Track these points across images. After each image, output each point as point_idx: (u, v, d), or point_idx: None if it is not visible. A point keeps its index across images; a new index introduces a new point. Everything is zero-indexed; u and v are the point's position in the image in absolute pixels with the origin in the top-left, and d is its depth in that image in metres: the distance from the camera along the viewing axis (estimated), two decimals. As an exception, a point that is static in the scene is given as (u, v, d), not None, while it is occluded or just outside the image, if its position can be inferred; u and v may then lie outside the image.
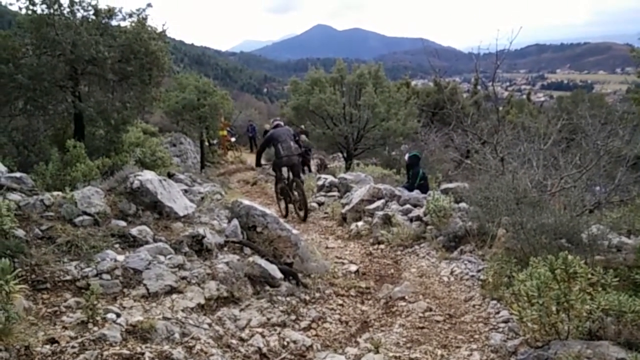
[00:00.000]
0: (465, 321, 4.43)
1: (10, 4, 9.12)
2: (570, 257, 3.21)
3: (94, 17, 9.25)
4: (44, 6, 8.77)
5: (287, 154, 8.49)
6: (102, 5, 9.31)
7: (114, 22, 9.59)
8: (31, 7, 8.71)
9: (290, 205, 9.13)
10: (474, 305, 4.72)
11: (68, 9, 9.00)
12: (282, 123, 9.40)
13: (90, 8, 9.18)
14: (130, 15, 9.62)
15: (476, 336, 4.11)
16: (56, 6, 8.83)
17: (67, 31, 8.60)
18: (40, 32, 8.66)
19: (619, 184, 7.27)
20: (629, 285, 3.85)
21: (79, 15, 9.18)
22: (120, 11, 9.53)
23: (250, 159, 21.08)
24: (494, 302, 4.60)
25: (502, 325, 4.16)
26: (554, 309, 3.19)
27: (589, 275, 3.27)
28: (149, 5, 9.90)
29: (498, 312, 4.42)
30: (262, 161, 9.53)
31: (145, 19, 9.68)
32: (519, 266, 4.56)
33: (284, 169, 8.68)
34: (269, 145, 8.99)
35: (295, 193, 8.65)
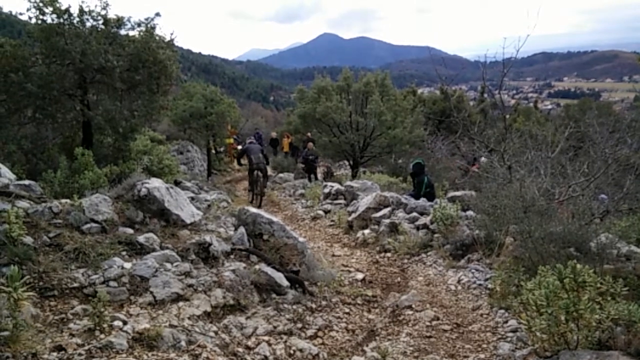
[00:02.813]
0: (473, 330, 4.39)
1: (21, 14, 9.19)
2: (579, 266, 3.18)
3: (103, 27, 9.32)
4: (53, 16, 8.85)
5: (256, 162, 12.20)
6: (111, 15, 9.39)
7: (122, 32, 9.66)
8: (41, 16, 8.80)
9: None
10: (481, 315, 4.69)
11: (77, 19, 9.08)
12: (254, 141, 13.74)
13: (99, 18, 9.26)
14: (139, 25, 9.69)
15: (484, 346, 4.07)
16: (66, 16, 8.92)
17: (77, 40, 8.67)
18: (50, 42, 8.74)
19: (627, 192, 7.22)
20: (638, 295, 3.80)
21: (88, 24, 9.25)
22: (129, 21, 9.60)
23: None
24: (502, 311, 4.56)
25: (511, 334, 4.13)
26: (563, 318, 3.16)
27: (598, 285, 3.24)
28: (157, 14, 9.98)
29: (506, 322, 4.38)
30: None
31: (153, 28, 9.75)
32: (527, 275, 4.52)
33: (256, 172, 12.22)
34: (243, 155, 12.90)
35: (258, 187, 12.24)
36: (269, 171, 17.92)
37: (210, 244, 4.84)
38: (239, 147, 16.56)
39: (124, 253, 4.27)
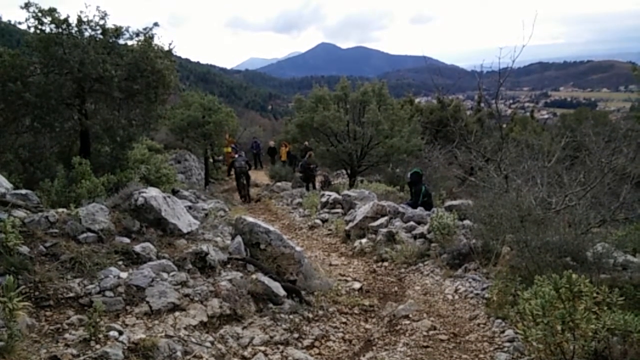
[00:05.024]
0: (470, 340, 4.38)
1: (19, 23, 9.24)
2: (574, 275, 3.19)
3: (101, 37, 9.37)
4: (52, 25, 8.91)
5: (240, 167, 15.41)
6: (110, 25, 9.45)
7: (121, 41, 9.71)
8: (40, 26, 8.85)
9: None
10: (478, 324, 4.68)
11: (76, 29, 9.13)
12: (243, 154, 16.76)
13: (98, 27, 9.31)
14: (137, 35, 9.74)
15: (481, 356, 4.06)
16: (64, 25, 8.96)
17: (75, 50, 8.71)
18: (49, 51, 8.78)
19: (623, 201, 7.24)
20: (635, 305, 3.81)
21: (86, 34, 9.30)
22: (127, 30, 9.65)
23: (255, 175, 21.21)
24: (499, 320, 4.56)
25: (507, 344, 4.12)
26: (559, 328, 3.16)
27: (594, 294, 3.24)
28: (156, 24, 10.04)
29: (503, 331, 4.37)
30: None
31: (151, 37, 9.79)
32: (524, 284, 4.53)
33: (241, 176, 15.44)
34: (234, 164, 15.93)
35: (244, 189, 15.47)
36: (267, 180, 20.57)
37: (207, 254, 4.83)
38: (236, 155, 16.80)
39: (120, 263, 4.26)
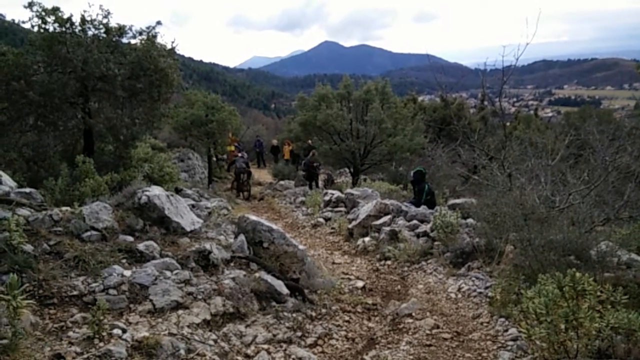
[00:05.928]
0: (473, 339, 4.38)
1: (23, 22, 9.28)
2: (578, 274, 3.18)
3: (104, 35, 9.40)
4: (55, 25, 8.94)
5: (240, 167, 15.85)
6: (113, 24, 9.47)
7: (124, 40, 9.74)
8: (43, 25, 8.88)
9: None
10: (481, 323, 4.68)
11: (79, 28, 9.16)
12: (245, 155, 17.12)
13: (101, 26, 9.34)
14: (141, 33, 9.76)
15: (484, 354, 4.06)
16: (68, 25, 8.99)
17: (79, 49, 8.73)
18: (52, 50, 8.80)
19: (628, 200, 7.21)
20: (639, 303, 3.79)
21: (90, 33, 9.33)
22: (130, 29, 9.68)
23: (258, 174, 21.21)
24: (502, 319, 4.55)
25: (511, 343, 4.11)
26: (562, 327, 3.15)
27: (598, 293, 3.23)
28: (159, 23, 10.05)
29: (506, 330, 4.37)
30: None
31: (154, 36, 9.81)
32: (527, 283, 4.51)
33: (241, 175, 15.90)
34: (233, 165, 17.11)
35: (244, 186, 16.01)
36: (270, 178, 20.80)
37: (210, 252, 4.83)
38: (239, 154, 16.84)
39: (123, 261, 4.27)
